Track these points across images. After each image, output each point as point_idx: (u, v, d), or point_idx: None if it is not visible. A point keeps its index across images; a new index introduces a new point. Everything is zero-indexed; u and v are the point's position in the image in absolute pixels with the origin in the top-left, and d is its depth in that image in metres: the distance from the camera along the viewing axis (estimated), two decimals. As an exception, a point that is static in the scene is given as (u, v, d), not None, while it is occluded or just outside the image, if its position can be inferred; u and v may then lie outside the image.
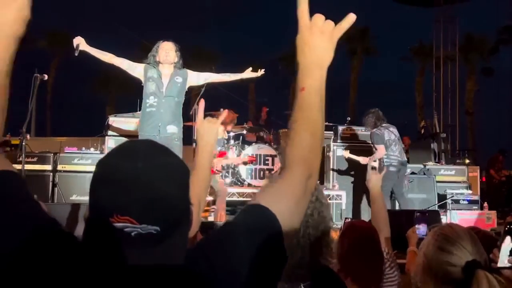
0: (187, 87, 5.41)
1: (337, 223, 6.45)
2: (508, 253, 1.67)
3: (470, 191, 8.08)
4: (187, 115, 6.51)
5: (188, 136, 6.56)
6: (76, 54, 5.12)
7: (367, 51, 29.79)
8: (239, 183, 7.78)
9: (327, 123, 8.46)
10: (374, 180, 2.68)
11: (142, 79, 5.34)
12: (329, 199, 7.01)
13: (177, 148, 5.21)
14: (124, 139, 6.80)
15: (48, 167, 7.12)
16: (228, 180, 7.66)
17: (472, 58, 26.34)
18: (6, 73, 1.07)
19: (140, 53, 7.36)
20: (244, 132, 8.24)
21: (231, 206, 7.33)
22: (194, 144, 6.76)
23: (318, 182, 2.07)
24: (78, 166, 7.20)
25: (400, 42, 32.84)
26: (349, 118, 8.86)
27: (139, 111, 5.95)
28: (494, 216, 7.25)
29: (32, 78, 5.45)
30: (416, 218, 4.66)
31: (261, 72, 5.82)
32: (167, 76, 5.30)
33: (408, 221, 5.13)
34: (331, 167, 7.96)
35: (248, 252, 1.00)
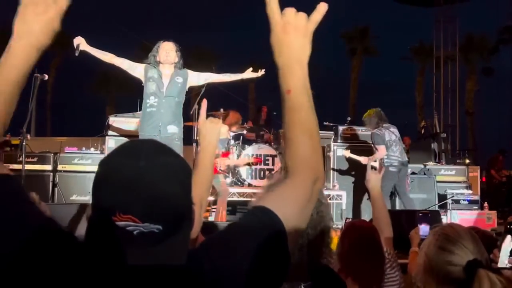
0: (187, 87, 5.40)
1: (338, 223, 6.45)
2: (509, 254, 1.67)
3: (470, 191, 8.08)
4: (188, 115, 6.50)
5: (188, 136, 6.56)
6: (77, 54, 5.11)
7: (367, 51, 29.81)
8: (239, 183, 7.78)
9: (327, 123, 8.47)
10: (373, 181, 2.66)
11: (142, 79, 5.34)
12: (330, 199, 7.00)
13: (177, 148, 5.20)
14: (124, 139, 6.79)
15: (48, 167, 7.12)
16: (228, 180, 7.66)
17: (472, 58, 26.35)
18: (18, 83, 1.05)
19: (141, 53, 7.37)
20: (244, 132, 8.23)
21: (231, 206, 7.34)
22: (194, 144, 6.78)
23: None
24: (78, 166, 7.20)
25: (400, 42, 32.84)
26: (349, 118, 8.85)
27: (140, 111, 5.95)
28: (494, 216, 7.25)
29: (32, 78, 5.45)
30: (419, 218, 4.66)
31: (261, 72, 5.82)
32: (167, 76, 5.30)
33: (408, 221, 5.12)
34: (331, 167, 7.96)
35: (251, 253, 0.99)
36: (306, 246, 1.73)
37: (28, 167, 6.56)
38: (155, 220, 0.92)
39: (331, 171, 7.95)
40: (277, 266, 1.04)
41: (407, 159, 7.11)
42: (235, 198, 7.30)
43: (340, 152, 7.82)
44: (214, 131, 1.81)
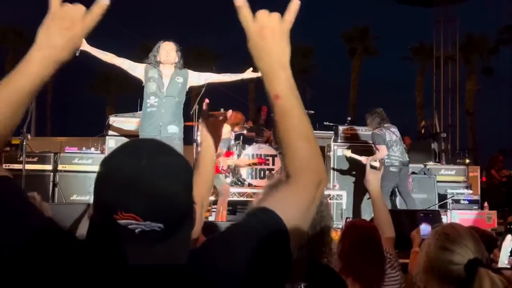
0: (187, 87, 5.41)
1: (338, 223, 6.45)
2: (509, 254, 1.67)
3: (470, 191, 8.08)
4: (188, 115, 6.50)
5: (188, 136, 6.56)
6: (77, 54, 5.09)
7: (367, 51, 29.79)
8: (239, 183, 7.78)
9: (327, 123, 8.47)
10: (372, 181, 2.64)
11: (142, 79, 5.34)
12: (330, 199, 7.00)
13: (178, 148, 5.17)
14: (124, 139, 6.79)
15: (49, 167, 7.12)
16: (228, 180, 7.66)
17: (472, 58, 26.35)
18: (30, 93, 1.04)
19: (141, 53, 7.37)
20: (244, 132, 8.23)
21: (231, 206, 7.33)
22: (195, 144, 6.78)
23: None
24: (78, 166, 7.20)
25: (400, 42, 32.91)
26: (349, 118, 8.85)
27: (140, 111, 5.95)
28: (495, 216, 7.24)
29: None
30: (420, 218, 4.66)
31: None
32: (167, 76, 5.31)
33: (408, 221, 5.12)
34: (331, 167, 7.96)
35: (253, 253, 0.99)
36: (306, 246, 1.73)
37: (29, 167, 6.57)
38: (156, 219, 0.92)
39: (331, 171, 7.95)
40: (279, 266, 1.04)
41: (408, 159, 7.11)
42: (235, 198, 7.29)
43: (340, 152, 7.82)
44: (217, 130, 1.80)
